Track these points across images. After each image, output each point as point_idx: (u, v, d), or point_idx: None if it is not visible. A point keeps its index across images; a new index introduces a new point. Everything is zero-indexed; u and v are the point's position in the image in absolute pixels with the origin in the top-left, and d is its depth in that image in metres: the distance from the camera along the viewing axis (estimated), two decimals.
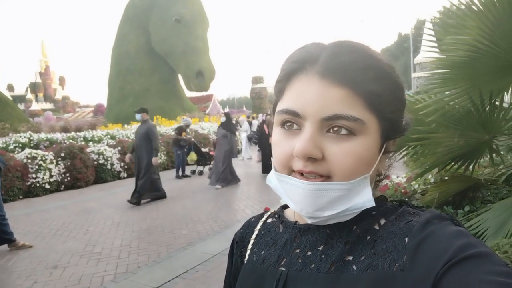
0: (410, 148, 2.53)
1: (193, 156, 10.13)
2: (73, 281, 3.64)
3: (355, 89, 0.47)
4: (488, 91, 1.97)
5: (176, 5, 25.93)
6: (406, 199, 0.57)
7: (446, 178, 2.88)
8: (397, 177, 3.80)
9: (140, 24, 26.96)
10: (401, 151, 2.53)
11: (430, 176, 3.30)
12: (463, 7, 2.07)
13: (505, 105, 2.19)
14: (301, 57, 0.50)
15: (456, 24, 2.09)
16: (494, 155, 2.41)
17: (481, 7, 1.90)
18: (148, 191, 6.99)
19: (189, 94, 29.82)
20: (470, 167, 2.48)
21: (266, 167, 9.21)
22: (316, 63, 0.48)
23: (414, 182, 3.33)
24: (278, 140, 0.52)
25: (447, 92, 2.02)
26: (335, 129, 0.47)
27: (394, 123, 0.52)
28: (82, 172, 9.02)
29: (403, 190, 3.14)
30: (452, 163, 2.45)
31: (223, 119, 8.69)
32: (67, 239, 5.01)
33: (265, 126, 9.69)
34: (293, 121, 0.50)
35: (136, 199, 6.80)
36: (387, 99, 0.49)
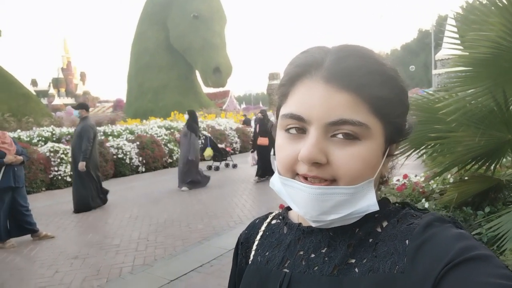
0: (429, 147, 2.48)
1: (209, 151, 10.20)
2: (93, 272, 3.75)
3: (360, 94, 0.47)
4: None
5: (195, 1, 26.05)
6: (409, 201, 0.57)
7: (466, 178, 2.82)
8: (415, 176, 3.73)
9: (159, 21, 27.23)
10: (419, 150, 2.49)
11: (449, 176, 3.23)
12: (485, 1, 2.01)
13: None
14: (305, 61, 0.50)
15: (479, 20, 2.03)
16: None
17: (505, 2, 1.84)
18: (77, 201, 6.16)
19: (206, 90, 30.00)
20: (492, 167, 2.42)
21: (262, 171, 8.36)
22: (321, 68, 0.48)
23: (432, 181, 3.27)
24: (282, 144, 0.52)
25: (469, 91, 1.97)
26: (340, 134, 0.48)
27: (398, 126, 0.52)
28: (101, 166, 9.21)
29: (421, 190, 3.09)
30: (472, 163, 2.39)
31: (186, 116, 8.04)
32: (87, 231, 5.15)
33: (257, 126, 8.73)
34: (297, 125, 0.50)
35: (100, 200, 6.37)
36: (391, 103, 0.49)
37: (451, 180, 3.17)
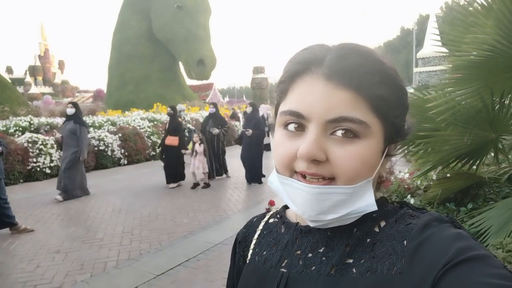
0: (414, 146, 2.54)
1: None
2: (76, 266, 3.68)
3: (360, 92, 0.47)
4: (500, 90, 1.97)
5: None
6: (407, 201, 0.58)
7: (448, 175, 2.90)
8: (399, 172, 3.82)
9: (141, 10, 26.57)
10: (405, 147, 2.54)
11: (432, 173, 3.32)
12: (462, 2, 2.08)
13: None
14: (305, 58, 0.50)
15: (469, 22, 2.08)
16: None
17: (495, 6, 1.89)
18: None
19: (189, 82, 29.58)
20: (474, 165, 2.49)
21: (172, 175, 7.39)
22: (322, 65, 0.48)
23: (416, 178, 3.35)
24: (281, 141, 0.51)
25: (460, 92, 2.03)
26: (340, 131, 0.48)
27: (397, 127, 0.52)
28: None
29: (406, 186, 3.16)
30: (457, 161, 2.46)
31: (71, 110, 6.32)
32: (68, 224, 5.04)
33: (167, 123, 7.67)
34: (296, 122, 0.50)
35: None
36: (391, 103, 0.49)
37: (434, 177, 3.26)
